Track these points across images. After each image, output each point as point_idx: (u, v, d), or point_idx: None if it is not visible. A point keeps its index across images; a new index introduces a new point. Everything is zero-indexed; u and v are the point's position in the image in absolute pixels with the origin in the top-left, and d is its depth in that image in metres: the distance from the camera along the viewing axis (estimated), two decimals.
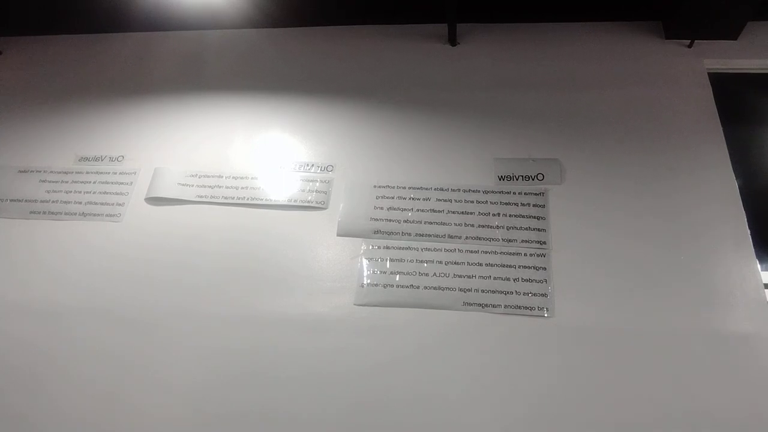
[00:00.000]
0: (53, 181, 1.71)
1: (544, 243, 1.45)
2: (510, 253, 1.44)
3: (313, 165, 1.66)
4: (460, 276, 1.42)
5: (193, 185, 1.64)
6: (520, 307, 1.36)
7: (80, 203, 1.66)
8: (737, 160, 1.51)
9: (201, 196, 1.62)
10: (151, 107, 1.84)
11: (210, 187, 1.64)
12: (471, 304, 1.38)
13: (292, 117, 1.77)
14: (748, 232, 1.40)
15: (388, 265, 1.46)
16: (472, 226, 1.49)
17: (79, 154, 1.76)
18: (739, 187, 1.47)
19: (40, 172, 1.74)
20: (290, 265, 1.49)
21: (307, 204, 1.58)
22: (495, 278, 1.41)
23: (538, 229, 1.47)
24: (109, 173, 1.70)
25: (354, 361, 1.34)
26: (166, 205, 1.63)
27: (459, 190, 1.55)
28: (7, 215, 1.66)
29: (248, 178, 1.64)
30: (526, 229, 1.47)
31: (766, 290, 1.33)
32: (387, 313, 1.39)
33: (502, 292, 1.39)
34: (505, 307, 1.37)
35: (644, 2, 1.75)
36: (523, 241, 1.46)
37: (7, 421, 1.35)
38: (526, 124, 1.65)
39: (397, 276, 1.44)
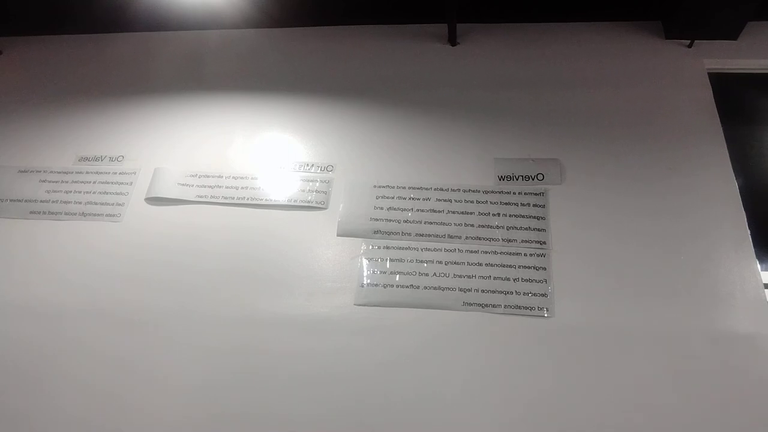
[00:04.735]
0: (53, 181, 1.71)
1: (544, 243, 1.45)
2: (510, 253, 1.44)
3: (313, 165, 1.66)
4: (460, 276, 1.42)
5: (193, 185, 1.64)
6: (520, 307, 1.36)
7: (80, 203, 1.66)
8: (737, 160, 1.51)
9: (201, 196, 1.62)
10: (151, 107, 1.84)
11: (210, 187, 1.64)
12: (471, 304, 1.38)
13: (292, 117, 1.77)
14: (748, 232, 1.40)
15: (388, 265, 1.46)
16: (472, 226, 1.49)
17: (79, 154, 1.76)
18: (739, 187, 1.47)
19: (40, 172, 1.74)
20: (290, 265, 1.49)
21: (307, 204, 1.58)
22: (495, 278, 1.41)
23: (538, 229, 1.47)
24: (109, 173, 1.70)
25: (354, 361, 1.34)
26: (166, 205, 1.63)
27: (459, 190, 1.55)
28: (7, 215, 1.66)
29: (248, 178, 1.64)
30: (526, 229, 1.47)
31: (766, 290, 1.33)
32: (387, 313, 1.39)
33: (502, 292, 1.39)
34: (505, 307, 1.37)
35: (644, 2, 1.75)
36: (523, 241, 1.46)
37: (7, 421, 1.35)
38: (526, 124, 1.65)
39: (397, 276, 1.44)
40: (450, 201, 1.54)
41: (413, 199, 1.55)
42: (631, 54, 1.75)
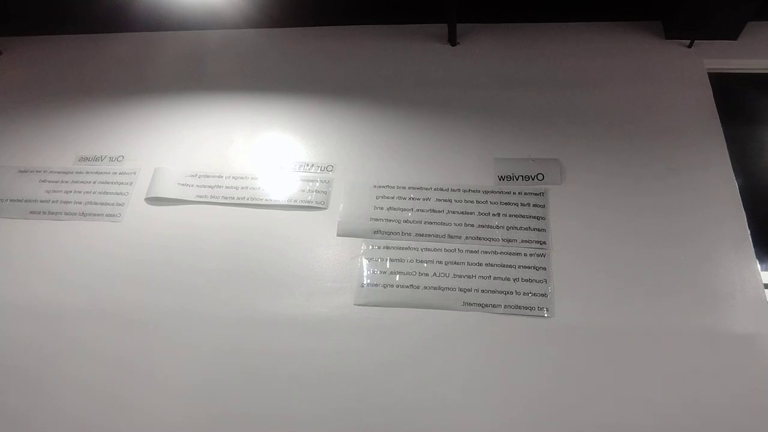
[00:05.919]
0: (53, 181, 1.71)
1: (544, 243, 1.45)
2: (510, 253, 1.44)
3: (313, 165, 1.66)
4: (460, 276, 1.42)
5: (193, 185, 1.64)
6: (520, 307, 1.36)
7: (80, 203, 1.66)
8: (737, 160, 1.51)
9: (201, 196, 1.62)
10: (151, 107, 1.84)
11: (210, 187, 1.64)
12: (471, 304, 1.38)
13: (292, 117, 1.77)
14: (748, 232, 1.40)
15: (388, 265, 1.46)
16: (472, 226, 1.49)
17: (79, 154, 1.76)
18: (739, 187, 1.47)
19: (40, 172, 1.74)
20: (290, 265, 1.49)
21: (307, 204, 1.58)
22: (495, 278, 1.41)
23: (538, 229, 1.47)
24: (109, 173, 1.70)
25: (354, 362, 1.34)
26: (166, 205, 1.63)
27: (459, 190, 1.55)
28: (7, 215, 1.66)
29: (248, 178, 1.64)
30: (526, 229, 1.47)
31: (766, 290, 1.33)
32: (387, 313, 1.39)
33: (502, 292, 1.39)
34: (505, 307, 1.37)
35: (644, 2, 1.75)
36: (523, 241, 1.46)
37: (7, 421, 1.35)
38: (526, 124, 1.65)
39: (397, 276, 1.44)
40: (450, 201, 1.54)
41: (413, 199, 1.55)
42: (631, 54, 1.75)
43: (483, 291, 1.39)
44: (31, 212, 1.66)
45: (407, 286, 1.42)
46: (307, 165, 1.66)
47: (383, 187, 1.59)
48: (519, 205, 1.51)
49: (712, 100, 1.62)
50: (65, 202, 1.67)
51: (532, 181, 1.55)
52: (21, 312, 1.48)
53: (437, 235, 1.49)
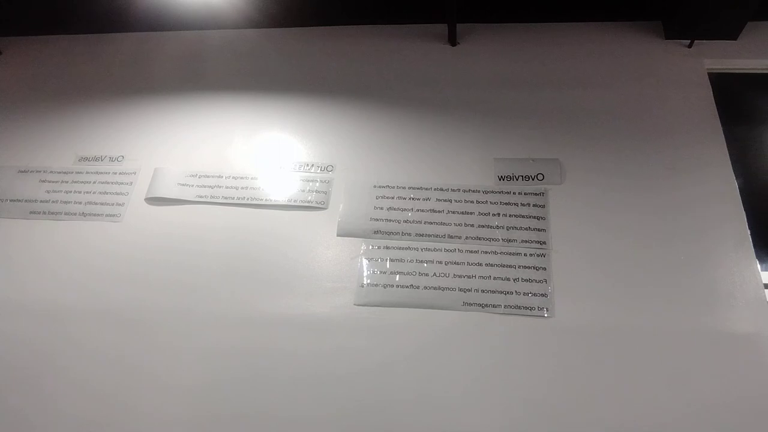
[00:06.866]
0: (53, 181, 1.71)
1: (544, 243, 1.45)
2: (510, 253, 1.44)
3: (313, 165, 1.66)
4: (460, 276, 1.42)
5: (193, 185, 1.64)
6: (520, 307, 1.36)
7: (80, 203, 1.66)
8: (737, 160, 1.52)
9: (201, 196, 1.62)
10: (151, 107, 1.84)
11: (210, 187, 1.64)
12: (471, 304, 1.38)
13: (292, 117, 1.77)
14: (748, 232, 1.40)
15: (388, 265, 1.46)
16: (472, 226, 1.49)
17: (79, 154, 1.76)
18: (739, 187, 1.47)
19: (40, 172, 1.74)
20: (290, 265, 1.49)
21: (307, 204, 1.58)
22: (495, 278, 1.41)
23: (538, 229, 1.47)
24: (109, 173, 1.70)
25: (354, 362, 1.34)
26: (166, 205, 1.63)
27: (459, 190, 1.55)
28: (7, 215, 1.66)
29: (248, 178, 1.64)
30: (526, 229, 1.47)
31: (766, 290, 1.33)
32: (387, 313, 1.39)
33: (502, 292, 1.39)
34: (505, 307, 1.37)
35: (644, 2, 1.75)
36: (523, 241, 1.46)
37: (7, 421, 1.35)
38: (526, 124, 1.65)
39: (397, 276, 1.44)
40: (450, 201, 1.54)
41: (413, 199, 1.55)
42: (631, 54, 1.75)
43: (483, 291, 1.39)
44: (31, 212, 1.66)
45: (407, 286, 1.42)
46: (307, 165, 1.66)
47: (383, 187, 1.59)
48: (519, 205, 1.51)
49: (712, 100, 1.62)
50: (65, 202, 1.67)
51: (532, 181, 1.55)
52: (21, 312, 1.48)
53: (437, 235, 1.49)
